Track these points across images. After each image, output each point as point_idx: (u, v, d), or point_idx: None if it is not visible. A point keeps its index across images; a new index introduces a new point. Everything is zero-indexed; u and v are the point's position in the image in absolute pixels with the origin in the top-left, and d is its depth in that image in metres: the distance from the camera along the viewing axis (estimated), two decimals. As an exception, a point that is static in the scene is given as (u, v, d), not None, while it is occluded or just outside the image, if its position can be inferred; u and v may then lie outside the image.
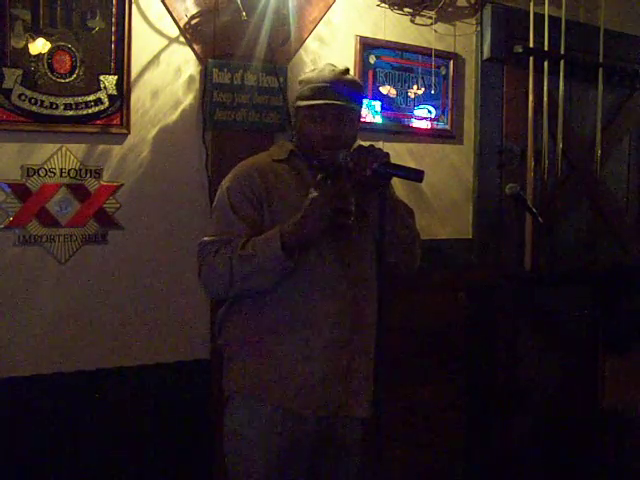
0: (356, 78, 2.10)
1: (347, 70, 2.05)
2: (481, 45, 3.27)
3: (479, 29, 3.26)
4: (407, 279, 2.16)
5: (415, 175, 1.88)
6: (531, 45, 3.30)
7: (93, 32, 2.39)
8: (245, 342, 1.98)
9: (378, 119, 3.01)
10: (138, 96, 2.49)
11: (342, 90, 1.96)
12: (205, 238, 1.95)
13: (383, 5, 2.98)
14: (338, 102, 1.95)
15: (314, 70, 2.08)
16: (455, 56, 3.20)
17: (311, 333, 1.93)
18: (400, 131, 3.07)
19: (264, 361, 1.95)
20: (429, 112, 3.15)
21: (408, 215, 2.10)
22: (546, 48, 3.34)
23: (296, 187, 1.98)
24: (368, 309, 2.01)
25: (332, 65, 2.05)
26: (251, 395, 1.96)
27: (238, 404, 1.99)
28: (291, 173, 2.00)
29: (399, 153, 3.02)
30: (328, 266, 1.94)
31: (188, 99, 2.58)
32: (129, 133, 2.48)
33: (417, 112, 3.12)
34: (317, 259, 1.93)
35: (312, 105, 1.96)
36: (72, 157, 2.40)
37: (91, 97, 2.40)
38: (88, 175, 2.43)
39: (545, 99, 3.36)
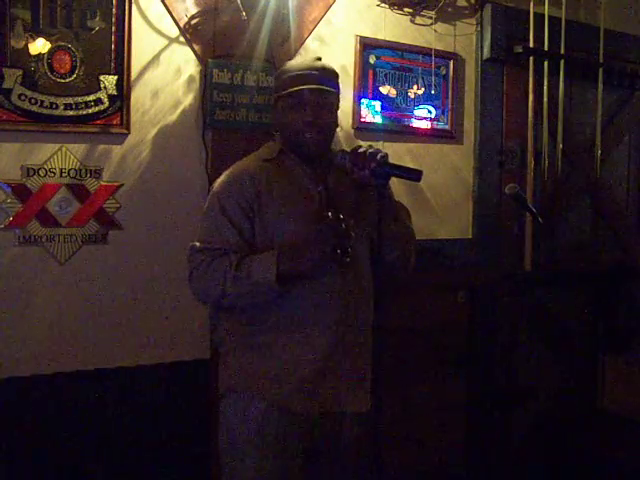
0: (329, 65, 2.10)
1: (319, 58, 2.08)
2: (481, 45, 3.27)
3: (479, 29, 3.26)
4: (403, 279, 2.17)
5: (413, 175, 1.88)
6: (531, 45, 3.30)
7: (93, 32, 2.39)
8: (242, 338, 1.99)
9: (378, 119, 3.01)
10: (138, 96, 2.49)
11: (316, 76, 1.98)
12: (196, 243, 1.95)
13: (383, 5, 2.98)
14: (314, 86, 1.97)
15: (288, 63, 2.11)
16: (455, 56, 3.20)
17: (307, 331, 1.94)
18: (400, 131, 3.07)
19: (259, 358, 1.95)
20: (429, 112, 3.15)
21: (405, 216, 2.11)
22: (546, 48, 3.34)
23: (287, 186, 1.98)
24: (364, 308, 2.02)
25: (303, 57, 2.07)
26: (246, 391, 1.96)
27: (233, 400, 1.99)
28: (282, 172, 2.01)
29: (399, 153, 3.02)
30: (325, 268, 1.93)
31: (188, 99, 2.58)
32: (129, 133, 2.48)
33: (417, 112, 3.12)
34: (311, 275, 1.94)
35: (290, 93, 1.97)
36: (72, 157, 2.40)
37: (91, 97, 2.40)
38: (88, 175, 2.43)
39: (545, 99, 3.36)
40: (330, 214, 1.90)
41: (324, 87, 1.98)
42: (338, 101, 2.09)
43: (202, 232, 1.98)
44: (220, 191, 1.98)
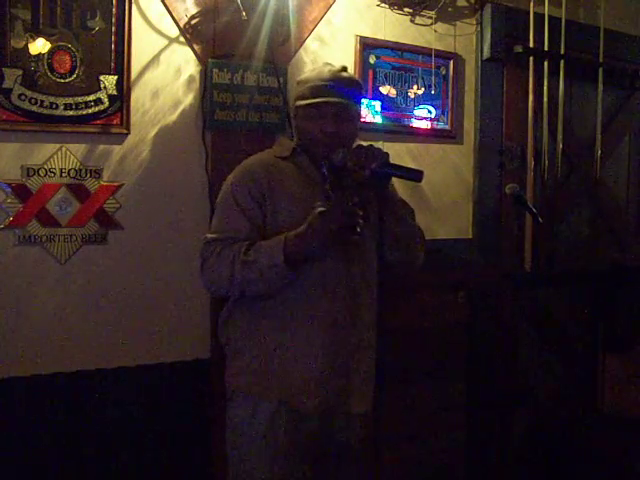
0: (354, 76, 2.10)
1: (345, 68, 2.06)
2: (481, 45, 3.27)
3: (479, 29, 3.26)
4: (407, 278, 2.17)
5: (414, 175, 1.88)
6: (531, 45, 3.30)
7: (93, 32, 2.39)
8: (247, 339, 1.99)
9: (378, 119, 3.01)
10: (138, 96, 2.49)
11: (340, 88, 1.98)
12: (208, 235, 1.95)
13: (383, 5, 2.98)
14: (336, 100, 1.96)
15: (312, 70, 2.10)
16: (455, 56, 3.20)
17: (312, 330, 1.94)
18: (400, 131, 3.07)
19: (266, 358, 1.96)
20: (429, 112, 3.15)
21: (408, 214, 2.11)
22: (546, 48, 3.34)
23: (300, 183, 1.99)
24: (368, 307, 2.03)
25: (330, 64, 2.06)
26: (254, 392, 1.96)
27: (241, 401, 1.99)
28: (295, 170, 2.01)
29: (399, 153, 3.02)
30: (329, 264, 1.94)
31: (188, 99, 2.58)
32: (129, 133, 2.48)
33: (417, 112, 3.12)
34: (319, 258, 1.93)
35: (311, 104, 1.97)
36: (72, 157, 2.40)
37: (91, 97, 2.40)
38: (88, 175, 2.43)
39: (545, 99, 3.36)
40: (331, 192, 1.88)
41: (344, 101, 1.97)
42: (360, 113, 2.09)
43: (215, 223, 1.99)
44: (233, 182, 1.99)
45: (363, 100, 2.94)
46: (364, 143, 1.94)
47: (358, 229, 1.82)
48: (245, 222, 1.93)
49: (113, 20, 2.41)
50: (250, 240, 1.90)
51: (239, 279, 1.87)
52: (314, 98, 1.96)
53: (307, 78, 2.04)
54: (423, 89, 3.12)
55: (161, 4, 2.50)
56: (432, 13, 3.08)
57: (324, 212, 1.82)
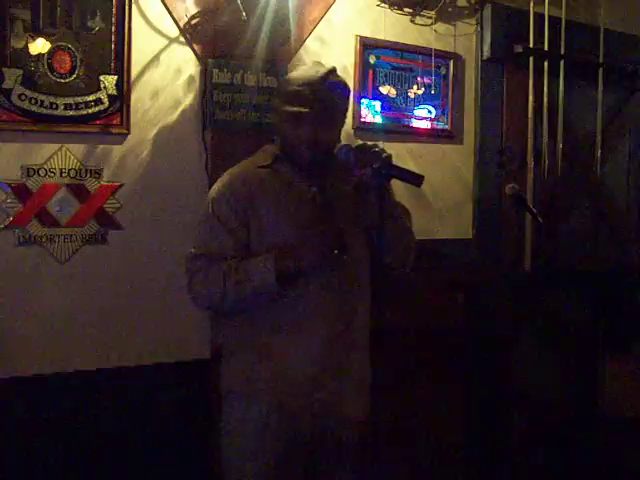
0: (341, 78, 2.02)
1: (332, 71, 1.98)
2: (481, 45, 3.27)
3: (479, 29, 3.26)
4: (401, 279, 2.17)
5: (415, 179, 1.88)
6: (531, 45, 3.30)
7: (93, 32, 2.39)
8: (242, 341, 1.99)
9: (378, 119, 3.01)
10: (138, 96, 2.49)
11: (326, 95, 1.93)
12: (192, 250, 1.95)
13: (383, 5, 2.98)
14: (321, 110, 1.91)
15: (299, 68, 2.05)
16: (455, 56, 3.20)
17: (306, 332, 1.94)
18: (400, 131, 3.08)
19: (259, 359, 1.96)
20: (429, 112, 3.15)
21: (405, 216, 2.10)
22: (546, 48, 3.34)
23: (283, 193, 1.97)
24: (362, 308, 2.03)
25: (318, 64, 2.00)
26: (247, 393, 1.96)
27: (234, 402, 1.99)
28: (277, 178, 1.99)
29: (399, 153, 3.01)
30: (323, 267, 1.93)
31: (188, 99, 2.58)
32: (129, 133, 2.48)
33: (417, 112, 3.12)
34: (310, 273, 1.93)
35: (290, 110, 1.92)
36: (72, 157, 2.40)
37: (91, 97, 2.40)
38: (88, 175, 2.43)
39: (545, 99, 3.36)
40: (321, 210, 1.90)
41: (329, 110, 1.93)
42: (346, 114, 2.05)
43: (198, 239, 1.98)
44: (214, 198, 1.98)
45: (363, 100, 2.96)
46: (369, 142, 1.93)
47: (346, 252, 1.87)
48: (229, 238, 1.92)
49: (113, 20, 2.41)
50: (236, 256, 1.90)
51: (230, 297, 1.88)
52: (298, 106, 1.90)
53: (292, 78, 1.98)
54: (423, 89, 3.12)
55: (161, 4, 2.50)
56: (432, 13, 3.08)
57: (314, 234, 1.84)
